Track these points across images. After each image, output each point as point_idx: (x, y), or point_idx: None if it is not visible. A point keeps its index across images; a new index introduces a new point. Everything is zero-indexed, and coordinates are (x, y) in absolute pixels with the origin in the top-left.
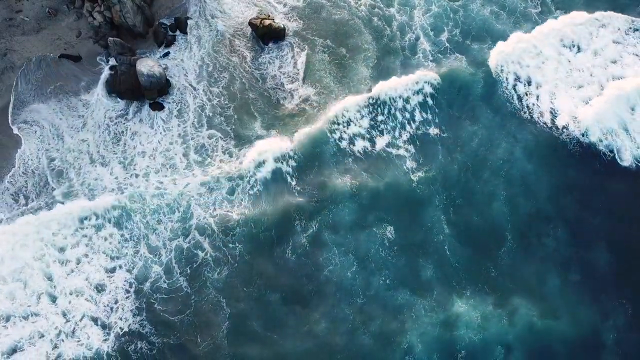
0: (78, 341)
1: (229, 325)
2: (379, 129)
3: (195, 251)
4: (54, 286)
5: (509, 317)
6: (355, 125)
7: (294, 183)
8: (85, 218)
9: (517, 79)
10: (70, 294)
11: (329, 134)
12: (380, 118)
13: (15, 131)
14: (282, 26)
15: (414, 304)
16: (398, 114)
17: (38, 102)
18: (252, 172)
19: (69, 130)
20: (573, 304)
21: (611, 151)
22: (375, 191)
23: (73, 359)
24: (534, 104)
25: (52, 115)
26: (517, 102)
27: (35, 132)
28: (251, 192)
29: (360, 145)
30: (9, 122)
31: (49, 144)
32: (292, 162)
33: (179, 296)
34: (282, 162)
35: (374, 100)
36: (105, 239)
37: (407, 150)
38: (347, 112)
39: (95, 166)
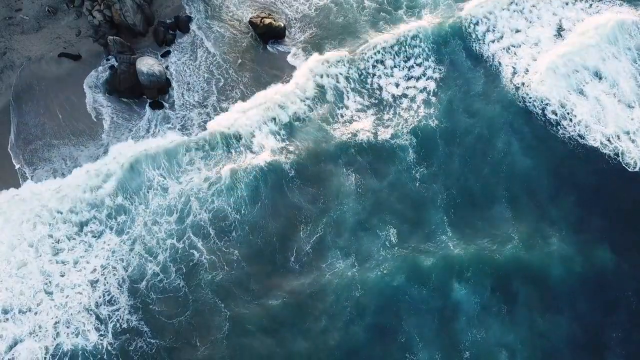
0: (75, 333)
1: (229, 327)
2: (383, 125)
3: (190, 251)
4: (50, 282)
5: (510, 314)
6: (358, 122)
7: (293, 176)
8: (86, 223)
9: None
10: (68, 288)
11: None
12: (383, 117)
13: (18, 165)
14: (283, 25)
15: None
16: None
17: (50, 137)
18: (252, 166)
19: (86, 159)
20: (576, 300)
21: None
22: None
23: (71, 349)
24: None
25: (67, 149)
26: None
27: (43, 167)
28: (249, 189)
29: (362, 138)
30: (11, 158)
31: (62, 173)
32: (292, 156)
33: (177, 296)
34: (280, 155)
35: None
36: (105, 242)
37: (408, 141)
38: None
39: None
